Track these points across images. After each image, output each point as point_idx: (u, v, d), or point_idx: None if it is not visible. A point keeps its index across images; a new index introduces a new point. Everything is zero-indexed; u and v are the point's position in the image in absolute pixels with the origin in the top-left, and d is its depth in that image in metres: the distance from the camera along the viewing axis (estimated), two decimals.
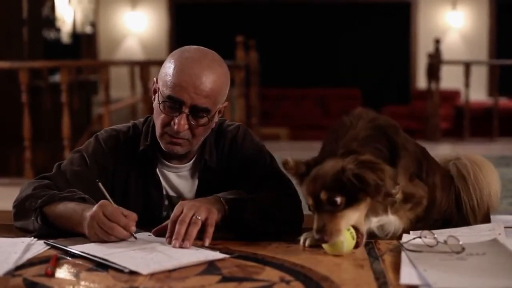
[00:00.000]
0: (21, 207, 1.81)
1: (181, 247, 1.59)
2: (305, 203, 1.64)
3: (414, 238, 1.58)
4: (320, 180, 1.56)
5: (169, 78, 1.78)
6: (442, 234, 1.58)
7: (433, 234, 1.55)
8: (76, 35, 9.98)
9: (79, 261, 1.52)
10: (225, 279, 1.39)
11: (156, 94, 1.84)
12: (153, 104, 1.87)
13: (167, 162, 1.93)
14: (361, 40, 11.08)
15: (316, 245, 1.61)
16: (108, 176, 1.90)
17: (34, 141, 6.45)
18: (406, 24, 11.00)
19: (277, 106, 10.69)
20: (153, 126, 1.90)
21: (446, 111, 9.64)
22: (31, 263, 1.51)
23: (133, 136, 1.95)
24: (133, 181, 1.93)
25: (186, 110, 1.78)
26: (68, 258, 1.55)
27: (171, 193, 1.95)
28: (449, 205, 1.81)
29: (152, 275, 1.41)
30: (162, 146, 1.86)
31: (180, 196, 1.94)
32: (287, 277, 1.39)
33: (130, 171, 1.93)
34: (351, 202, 1.53)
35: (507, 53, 9.87)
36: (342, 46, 11.16)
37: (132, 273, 1.41)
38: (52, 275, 1.41)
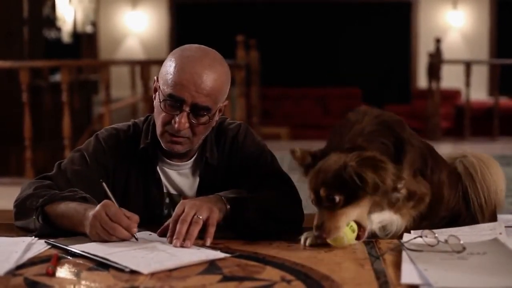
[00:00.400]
0: (22, 207, 1.81)
1: (182, 246, 1.59)
2: (307, 197, 1.64)
3: (415, 238, 1.58)
4: (322, 175, 1.57)
5: (170, 77, 1.78)
6: (442, 234, 1.58)
7: (434, 234, 1.55)
8: (76, 35, 9.99)
9: (80, 261, 1.52)
10: (226, 279, 1.39)
11: (157, 93, 1.84)
12: (154, 103, 1.86)
13: (168, 160, 1.93)
14: (361, 40, 11.08)
15: (316, 244, 1.61)
16: (108, 175, 1.90)
17: (34, 141, 6.46)
18: (407, 24, 11.00)
19: (278, 106, 10.70)
20: (154, 124, 1.90)
21: (447, 110, 9.64)
22: (32, 262, 1.51)
23: (133, 135, 1.95)
24: (134, 179, 1.93)
25: (187, 109, 1.78)
26: (69, 257, 1.55)
27: (172, 191, 1.95)
28: (457, 202, 1.81)
29: (152, 274, 1.40)
30: (162, 144, 1.86)
31: (181, 194, 1.94)
32: (288, 276, 1.39)
33: (130, 169, 1.93)
34: (351, 199, 1.54)
35: (507, 53, 9.87)
36: (343, 45, 11.16)
37: (133, 272, 1.41)
38: (53, 274, 1.41)
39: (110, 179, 1.89)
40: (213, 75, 1.78)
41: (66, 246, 1.60)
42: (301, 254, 1.56)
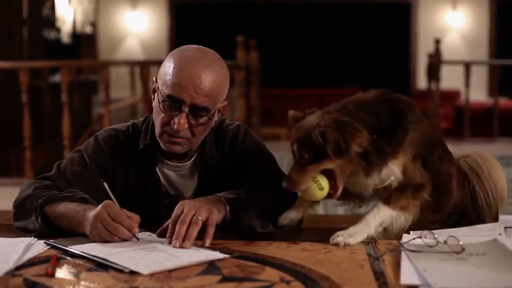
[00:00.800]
0: (21, 207, 1.81)
1: (181, 247, 1.59)
2: None
3: (414, 238, 1.58)
4: (297, 133, 1.65)
5: (169, 77, 1.78)
6: (442, 234, 1.58)
7: (433, 234, 1.55)
8: (76, 35, 9.99)
9: (79, 261, 1.52)
10: (225, 279, 1.39)
11: (156, 94, 1.84)
12: (153, 104, 1.87)
13: (167, 161, 1.93)
14: (361, 40, 11.08)
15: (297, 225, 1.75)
16: (108, 175, 1.90)
17: (34, 141, 6.46)
18: (406, 24, 11.00)
19: (278, 106, 10.68)
20: (153, 125, 1.90)
21: (446, 111, 9.64)
22: (31, 263, 1.51)
23: (132, 135, 1.95)
24: (133, 180, 1.93)
25: (186, 109, 1.78)
26: (68, 258, 1.55)
27: (171, 191, 1.95)
28: (464, 198, 1.81)
29: (152, 275, 1.40)
30: (161, 145, 1.86)
31: (180, 195, 1.94)
32: (287, 277, 1.39)
33: (129, 170, 1.93)
34: (318, 157, 1.59)
35: (507, 53, 9.88)
36: (343, 46, 11.16)
37: (132, 273, 1.41)
38: (52, 275, 1.41)
39: (109, 179, 1.89)
40: (212, 76, 1.78)
41: (66, 246, 1.60)
42: (300, 255, 1.56)
